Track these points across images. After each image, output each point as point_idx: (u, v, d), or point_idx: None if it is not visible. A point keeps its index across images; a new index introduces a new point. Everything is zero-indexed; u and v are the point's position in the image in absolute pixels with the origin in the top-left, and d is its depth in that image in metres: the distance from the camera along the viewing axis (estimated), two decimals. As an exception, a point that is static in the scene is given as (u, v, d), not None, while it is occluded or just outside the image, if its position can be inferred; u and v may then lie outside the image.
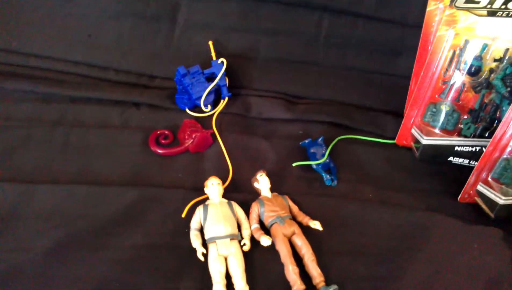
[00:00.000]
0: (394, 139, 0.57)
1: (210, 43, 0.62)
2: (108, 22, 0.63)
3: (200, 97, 0.60)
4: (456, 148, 0.52)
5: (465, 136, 0.52)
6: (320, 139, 0.55)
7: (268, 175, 0.50)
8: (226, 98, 0.62)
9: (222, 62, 0.60)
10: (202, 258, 0.43)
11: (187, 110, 0.60)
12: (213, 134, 0.56)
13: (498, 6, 0.46)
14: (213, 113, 0.60)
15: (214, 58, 0.61)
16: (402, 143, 0.57)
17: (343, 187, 0.52)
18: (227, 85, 0.62)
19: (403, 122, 0.55)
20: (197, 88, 0.60)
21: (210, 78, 0.62)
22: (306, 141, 0.55)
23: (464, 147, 0.52)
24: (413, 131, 0.55)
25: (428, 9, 0.51)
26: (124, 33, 0.63)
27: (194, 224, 0.46)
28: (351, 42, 0.62)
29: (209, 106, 0.60)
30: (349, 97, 0.63)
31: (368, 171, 0.55)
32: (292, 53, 0.63)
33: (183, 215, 0.46)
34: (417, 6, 0.51)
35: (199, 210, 0.46)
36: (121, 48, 0.63)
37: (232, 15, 0.61)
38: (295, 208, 0.48)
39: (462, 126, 0.51)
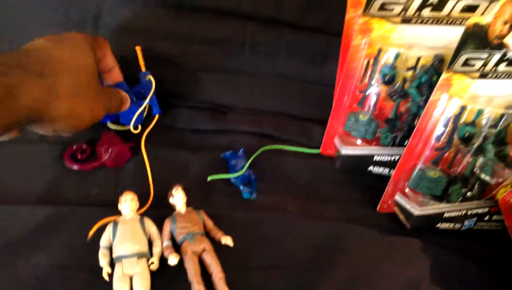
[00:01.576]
0: (319, 148, 0.56)
1: (138, 49, 0.55)
2: (31, 32, 0.60)
3: (129, 120, 0.52)
4: (375, 157, 0.51)
5: (383, 146, 0.51)
6: (240, 151, 0.53)
7: (191, 189, 0.48)
8: (157, 116, 0.57)
9: (150, 80, 0.54)
10: (107, 278, 0.40)
11: (109, 123, 0.57)
12: (133, 148, 0.54)
13: (412, 13, 0.45)
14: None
15: (142, 68, 0.55)
16: (326, 153, 0.56)
17: (265, 200, 0.50)
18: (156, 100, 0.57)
19: (326, 131, 0.54)
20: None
21: (139, 94, 0.55)
22: (227, 153, 0.53)
23: (383, 157, 0.51)
24: (335, 140, 0.54)
25: (347, 16, 0.50)
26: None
27: (104, 242, 0.43)
28: (278, 50, 0.60)
29: (139, 127, 0.53)
30: (278, 106, 0.61)
31: (291, 182, 0.53)
32: (220, 62, 0.61)
33: (88, 237, 0.43)
34: (339, 14, 0.50)
35: (109, 227, 0.44)
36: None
37: (159, 22, 0.59)
38: (209, 224, 0.46)
39: (380, 135, 0.50)
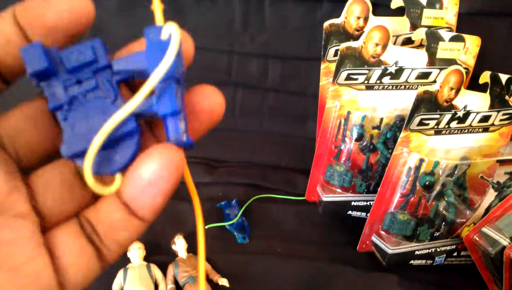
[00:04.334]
0: (303, 195, 0.62)
1: None
2: None
3: (84, 151, 0.18)
4: (353, 203, 0.57)
5: (359, 192, 0.57)
6: (234, 201, 0.58)
7: (188, 236, 0.53)
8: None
9: (171, 33, 0.19)
10: (120, 319, 0.45)
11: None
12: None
13: (374, 81, 0.52)
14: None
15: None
16: (311, 199, 0.62)
17: (256, 244, 0.55)
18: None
19: (309, 180, 0.60)
20: (85, 115, 0.19)
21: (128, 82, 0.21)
22: (222, 203, 0.58)
23: (360, 202, 0.57)
24: (317, 188, 0.59)
25: (321, 83, 0.57)
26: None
27: (115, 286, 0.48)
28: (264, 110, 0.67)
29: (117, 179, 0.19)
30: (265, 158, 0.67)
31: (279, 227, 0.58)
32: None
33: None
34: (315, 80, 0.57)
35: (120, 273, 0.48)
36: None
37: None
38: (208, 267, 0.51)
39: (355, 183, 0.56)
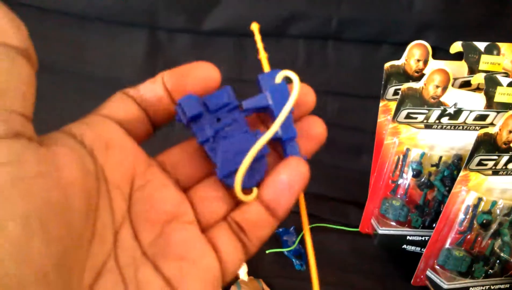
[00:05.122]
0: (357, 227, 0.64)
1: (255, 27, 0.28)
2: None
3: (233, 172, 0.23)
4: (408, 237, 0.58)
5: (415, 227, 0.58)
6: (292, 228, 0.61)
7: (250, 260, 0.55)
8: None
9: (286, 76, 0.25)
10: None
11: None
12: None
13: (433, 121, 0.54)
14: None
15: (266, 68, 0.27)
16: (364, 231, 0.63)
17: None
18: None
19: (364, 213, 0.62)
20: (230, 145, 0.23)
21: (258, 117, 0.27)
22: (280, 230, 0.61)
23: (415, 237, 0.58)
24: (372, 221, 0.61)
25: (379, 120, 0.60)
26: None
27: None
28: (320, 144, 0.70)
29: (255, 190, 0.23)
30: (319, 189, 0.70)
31: (334, 256, 0.60)
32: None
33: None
34: (372, 117, 0.60)
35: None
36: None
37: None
38: (267, 291, 0.53)
39: (411, 218, 0.58)
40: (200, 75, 0.23)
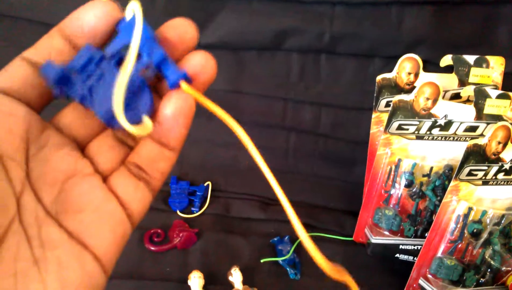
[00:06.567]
0: (351, 236, 0.64)
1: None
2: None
3: (110, 109, 0.22)
4: (401, 246, 0.59)
5: (407, 237, 0.58)
6: (286, 238, 0.61)
7: (242, 269, 0.56)
8: (207, 199, 0.68)
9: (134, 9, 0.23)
10: None
11: (178, 212, 0.67)
12: (198, 233, 0.63)
13: (424, 132, 0.55)
14: (200, 214, 0.67)
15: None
16: (358, 240, 0.64)
17: (306, 281, 0.58)
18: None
19: (357, 222, 0.62)
20: (103, 88, 0.23)
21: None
22: (275, 239, 0.61)
23: (408, 246, 0.59)
24: (366, 230, 0.62)
25: (371, 131, 0.61)
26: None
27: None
28: (314, 154, 0.71)
29: (146, 119, 0.24)
30: (315, 199, 0.70)
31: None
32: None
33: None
34: (365, 128, 0.61)
35: (182, 300, 0.52)
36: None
37: (216, 132, 0.71)
38: (262, 300, 0.53)
39: (404, 227, 0.58)
40: (99, 13, 0.22)
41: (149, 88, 0.24)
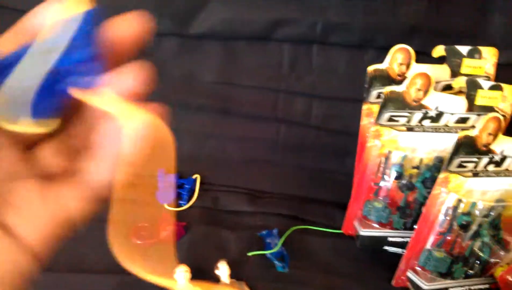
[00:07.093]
0: (340, 229, 0.63)
1: None
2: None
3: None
4: (389, 238, 0.58)
5: (397, 229, 0.58)
6: (274, 231, 0.60)
7: (230, 262, 0.55)
8: (196, 192, 0.68)
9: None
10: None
11: (165, 205, 0.65)
12: (186, 227, 0.62)
13: (414, 124, 0.54)
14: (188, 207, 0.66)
15: None
16: (347, 233, 0.63)
17: (294, 274, 0.57)
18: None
19: (346, 214, 0.61)
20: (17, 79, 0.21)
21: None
22: (264, 232, 0.61)
23: (396, 238, 0.58)
24: (355, 223, 0.61)
25: (362, 123, 0.60)
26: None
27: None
28: (305, 146, 0.70)
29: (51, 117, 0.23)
30: (304, 191, 0.69)
31: (316, 258, 0.59)
32: (256, 155, 0.71)
33: None
34: (357, 120, 0.60)
35: (168, 293, 0.51)
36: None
37: (206, 125, 0.70)
38: (248, 293, 0.53)
39: (393, 220, 0.58)
40: None
41: (64, 86, 0.22)
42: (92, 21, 0.21)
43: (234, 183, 0.70)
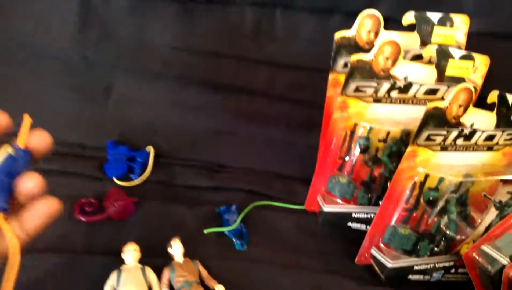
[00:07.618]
0: (303, 205, 0.60)
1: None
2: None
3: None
4: (353, 215, 0.55)
5: (361, 204, 0.55)
6: (233, 207, 0.57)
7: (186, 240, 0.51)
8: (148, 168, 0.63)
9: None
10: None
11: (114, 179, 0.61)
12: (137, 203, 0.57)
13: (382, 95, 0.51)
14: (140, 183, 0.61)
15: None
16: (310, 209, 0.60)
17: (254, 251, 0.53)
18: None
19: (309, 190, 0.58)
20: None
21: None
22: (222, 208, 0.57)
23: (360, 214, 0.56)
24: (318, 198, 0.58)
25: (328, 94, 0.56)
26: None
27: (107, 288, 0.45)
28: (268, 118, 0.66)
29: None
30: (267, 166, 0.66)
31: (278, 235, 0.56)
32: (216, 126, 0.67)
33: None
34: (323, 91, 0.56)
35: (113, 274, 0.46)
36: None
37: (159, 93, 0.64)
38: (204, 273, 0.49)
39: (357, 195, 0.55)
40: None
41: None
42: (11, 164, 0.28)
43: (192, 157, 0.66)
